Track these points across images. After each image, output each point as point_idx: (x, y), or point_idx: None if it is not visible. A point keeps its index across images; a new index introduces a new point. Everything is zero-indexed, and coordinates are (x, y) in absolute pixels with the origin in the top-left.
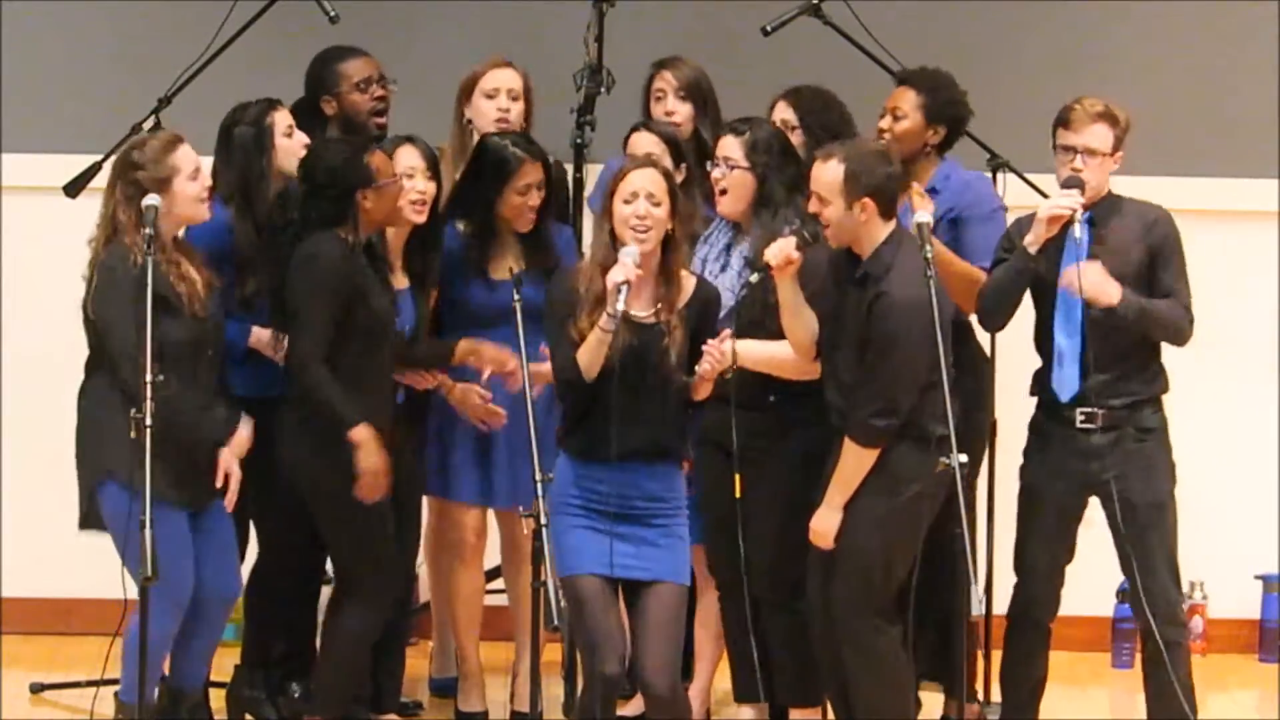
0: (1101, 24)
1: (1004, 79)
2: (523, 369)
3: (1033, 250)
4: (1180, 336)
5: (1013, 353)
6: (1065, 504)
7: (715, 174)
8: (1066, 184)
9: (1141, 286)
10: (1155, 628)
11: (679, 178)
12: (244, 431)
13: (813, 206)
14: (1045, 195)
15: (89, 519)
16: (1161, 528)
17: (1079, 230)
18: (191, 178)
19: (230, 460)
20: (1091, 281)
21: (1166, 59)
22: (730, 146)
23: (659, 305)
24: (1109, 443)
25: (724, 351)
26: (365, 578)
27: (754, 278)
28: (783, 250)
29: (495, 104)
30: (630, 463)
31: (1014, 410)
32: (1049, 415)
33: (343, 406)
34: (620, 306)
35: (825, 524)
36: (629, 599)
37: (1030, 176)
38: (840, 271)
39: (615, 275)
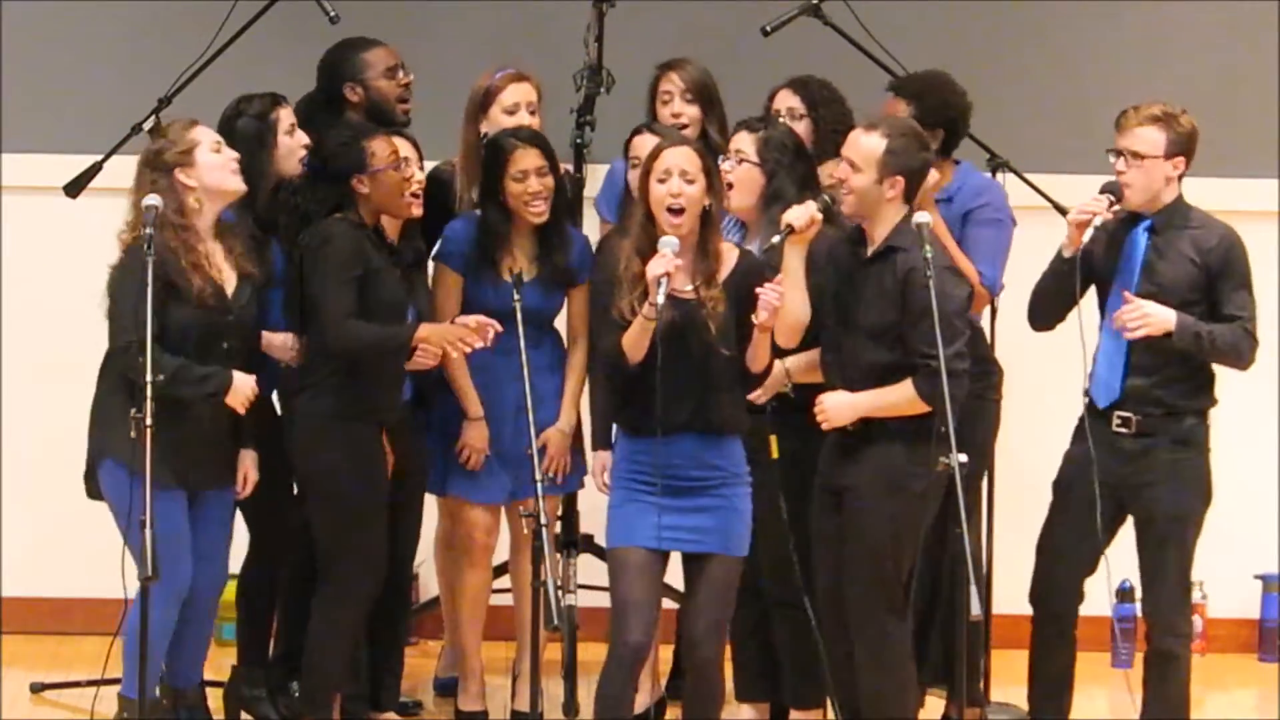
0: (1102, 24)
1: (1004, 79)
2: (524, 369)
3: (1066, 254)
4: (1240, 360)
5: (1013, 352)
6: (1094, 499)
7: (725, 167)
8: (1104, 188)
9: (1193, 303)
10: (1154, 638)
11: None
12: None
13: (840, 172)
14: (1045, 195)
15: (91, 489)
16: (1180, 543)
17: (1086, 234)
18: (214, 149)
19: (245, 459)
20: (1138, 316)
21: (1167, 59)
22: (743, 141)
23: (699, 280)
24: (1140, 450)
25: (776, 295)
26: (342, 567)
27: (776, 240)
28: (806, 211)
29: (517, 119)
30: (681, 435)
31: (1016, 409)
32: (1091, 413)
33: (392, 332)
34: (662, 300)
35: (839, 410)
36: (686, 569)
37: (1030, 176)
38: (844, 260)
39: (655, 268)
